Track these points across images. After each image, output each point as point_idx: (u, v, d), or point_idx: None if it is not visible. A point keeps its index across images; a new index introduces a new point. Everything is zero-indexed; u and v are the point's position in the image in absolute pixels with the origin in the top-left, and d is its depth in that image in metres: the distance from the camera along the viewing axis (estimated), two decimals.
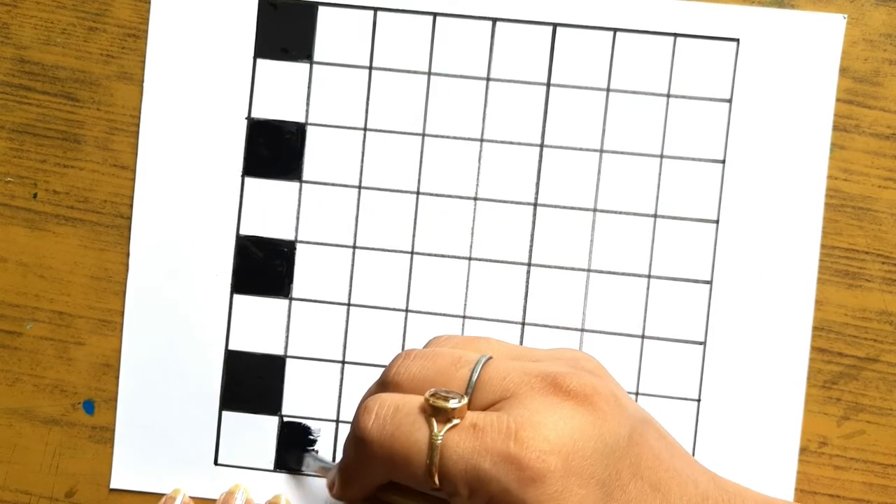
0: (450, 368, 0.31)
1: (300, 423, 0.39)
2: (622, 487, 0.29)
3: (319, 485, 0.39)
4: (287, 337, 0.39)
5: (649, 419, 0.31)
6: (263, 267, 0.39)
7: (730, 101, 0.38)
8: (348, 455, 0.31)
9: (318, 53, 0.38)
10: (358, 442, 0.30)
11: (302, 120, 0.39)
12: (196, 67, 0.39)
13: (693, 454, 0.38)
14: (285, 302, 0.39)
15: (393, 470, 0.30)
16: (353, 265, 0.39)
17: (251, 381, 0.39)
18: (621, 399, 0.30)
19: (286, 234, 0.39)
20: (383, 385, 0.32)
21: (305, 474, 0.39)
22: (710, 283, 0.38)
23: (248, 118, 0.39)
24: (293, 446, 0.39)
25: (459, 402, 0.29)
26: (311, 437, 0.39)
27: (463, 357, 0.31)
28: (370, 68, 0.38)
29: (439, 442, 0.29)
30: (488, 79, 0.38)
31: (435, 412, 0.29)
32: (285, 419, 0.39)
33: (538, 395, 0.29)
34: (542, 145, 0.38)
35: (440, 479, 0.29)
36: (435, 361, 0.31)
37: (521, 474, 0.28)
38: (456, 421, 0.29)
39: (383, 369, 0.32)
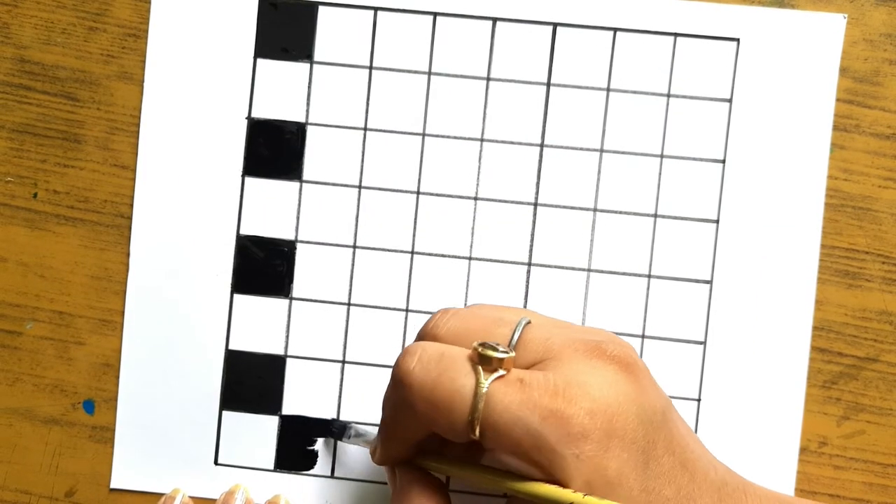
0: (491, 326, 0.30)
1: (300, 423, 0.39)
2: (657, 459, 0.29)
3: (318, 486, 0.39)
4: (287, 337, 0.39)
5: (672, 404, 0.31)
6: (263, 267, 0.39)
7: (730, 100, 0.38)
8: (387, 408, 0.31)
9: (319, 53, 0.38)
10: (398, 386, 0.30)
11: (302, 120, 0.39)
12: (196, 67, 0.39)
13: None
14: (285, 302, 0.39)
15: (434, 418, 0.29)
16: (353, 265, 0.39)
17: (251, 381, 0.39)
18: (653, 378, 0.31)
19: (286, 234, 0.39)
20: (422, 338, 0.31)
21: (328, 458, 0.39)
22: (710, 283, 0.38)
23: (249, 118, 0.39)
24: (326, 427, 0.39)
25: (508, 353, 0.29)
26: (312, 439, 0.39)
27: (504, 317, 0.31)
28: (370, 68, 0.38)
29: (485, 390, 0.28)
30: (488, 79, 0.38)
31: (482, 360, 0.29)
32: (285, 419, 0.39)
33: (582, 358, 0.29)
34: (542, 145, 0.38)
35: (482, 430, 0.28)
36: (476, 319, 0.31)
37: (567, 430, 0.28)
38: (502, 372, 0.29)
39: (421, 326, 0.31)
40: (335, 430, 0.38)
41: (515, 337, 0.30)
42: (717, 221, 0.38)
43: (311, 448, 0.39)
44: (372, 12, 0.38)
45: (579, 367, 0.29)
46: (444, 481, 0.32)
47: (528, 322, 0.31)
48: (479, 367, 0.29)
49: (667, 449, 0.29)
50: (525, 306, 0.38)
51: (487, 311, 0.31)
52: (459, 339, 0.31)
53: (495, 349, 0.29)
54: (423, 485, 0.31)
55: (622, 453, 0.28)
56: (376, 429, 0.33)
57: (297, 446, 0.39)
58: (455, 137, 0.38)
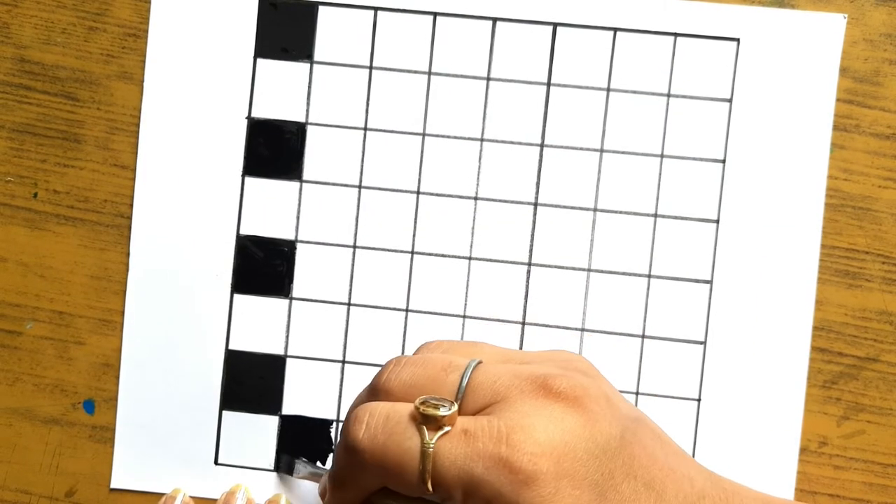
0: (440, 374, 0.31)
1: (300, 423, 0.39)
2: (615, 487, 0.29)
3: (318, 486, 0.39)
4: (287, 337, 0.39)
5: (643, 418, 0.31)
6: (263, 267, 0.39)
7: (730, 100, 0.38)
8: (340, 463, 0.31)
9: (319, 53, 0.38)
10: (350, 451, 0.30)
11: (302, 120, 0.39)
12: (196, 67, 0.39)
13: (693, 454, 0.38)
14: (285, 302, 0.39)
15: (386, 478, 0.30)
16: (353, 265, 0.39)
17: (251, 381, 0.39)
18: (613, 399, 0.30)
19: (286, 234, 0.39)
20: (373, 392, 0.32)
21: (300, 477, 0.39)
22: (710, 282, 0.38)
23: (249, 118, 0.39)
24: (284, 452, 0.39)
25: (450, 409, 0.29)
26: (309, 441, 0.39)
27: (453, 362, 0.31)
28: (370, 68, 0.38)
29: (431, 449, 0.29)
30: (488, 78, 0.38)
31: (425, 420, 0.29)
32: (285, 418, 0.39)
33: (528, 398, 0.30)
34: (542, 145, 0.38)
35: (434, 486, 0.29)
36: (425, 368, 0.31)
37: (514, 477, 0.28)
38: (447, 428, 0.29)
39: (373, 376, 0.32)
40: (282, 465, 0.38)
41: (463, 384, 0.30)
42: (717, 221, 0.38)
43: (300, 457, 0.39)
44: (372, 12, 0.38)
45: (525, 409, 0.29)
46: None
47: (479, 363, 0.31)
48: (424, 428, 0.29)
49: (627, 474, 0.29)
50: (525, 306, 0.38)
51: (437, 360, 0.32)
52: (409, 392, 0.31)
53: (437, 407, 0.29)
54: None
55: (573, 491, 0.28)
56: (326, 465, 0.34)
57: (287, 453, 0.39)
58: (455, 137, 0.38)
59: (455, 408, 0.30)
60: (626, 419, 0.30)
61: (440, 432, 0.29)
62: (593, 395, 0.30)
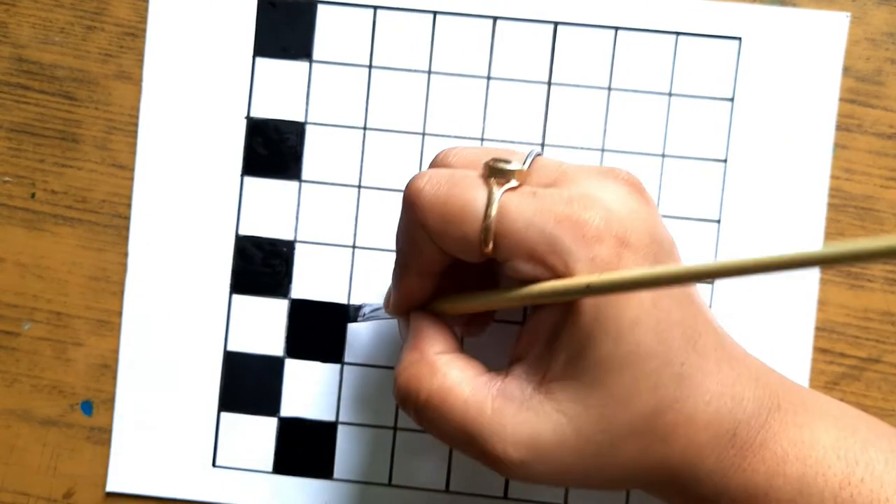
0: (502, 154, 0.30)
1: (299, 425, 0.39)
2: None
3: (318, 487, 0.39)
4: (286, 338, 0.39)
5: None
6: (262, 267, 0.39)
7: (732, 99, 0.37)
8: (399, 239, 0.31)
9: (318, 52, 0.38)
10: (410, 209, 0.30)
11: (301, 119, 0.38)
12: (195, 66, 0.38)
13: None
14: (284, 302, 0.39)
15: (447, 231, 0.29)
16: (352, 265, 0.38)
17: (250, 383, 0.39)
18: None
19: (285, 234, 0.39)
20: (433, 166, 0.31)
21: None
22: (712, 282, 0.38)
23: (247, 117, 0.39)
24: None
25: (521, 165, 0.29)
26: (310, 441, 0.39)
27: (516, 150, 0.31)
28: (370, 67, 0.38)
29: (499, 196, 0.28)
30: (489, 77, 0.38)
31: (494, 173, 0.29)
32: (284, 420, 0.39)
33: (595, 178, 0.29)
34: (543, 144, 0.38)
35: (496, 239, 0.28)
36: (486, 150, 0.31)
37: (583, 232, 0.28)
38: (515, 183, 0.29)
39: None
40: (350, 315, 0.38)
41: (528, 160, 0.30)
42: (718, 221, 0.38)
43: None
44: (371, 11, 0.38)
45: (594, 184, 0.29)
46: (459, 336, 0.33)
47: (540, 153, 0.31)
48: (492, 180, 0.29)
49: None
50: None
51: (497, 147, 0.31)
52: (470, 167, 0.31)
53: (508, 162, 0.29)
54: (437, 328, 0.32)
55: (633, 264, 0.28)
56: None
57: (297, 448, 0.39)
58: (455, 137, 0.38)
59: (527, 165, 0.29)
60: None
61: (507, 185, 0.29)
62: (650, 195, 0.30)
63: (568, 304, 0.28)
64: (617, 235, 0.28)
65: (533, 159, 0.30)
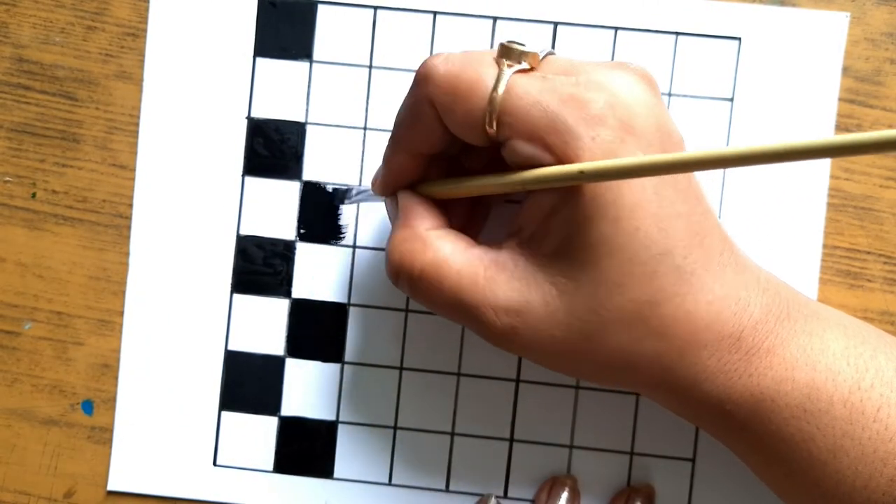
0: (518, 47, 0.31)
1: (300, 424, 0.39)
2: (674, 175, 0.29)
3: (318, 487, 0.39)
4: (287, 337, 0.39)
5: None
6: (263, 267, 0.39)
7: (731, 99, 0.37)
8: (401, 112, 0.32)
9: (318, 52, 0.38)
10: (420, 82, 0.30)
11: (302, 119, 0.38)
12: (195, 66, 0.38)
13: (697, 455, 0.38)
14: (285, 302, 0.39)
15: (454, 104, 0.29)
16: (352, 265, 0.38)
17: (251, 382, 0.39)
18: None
19: (287, 234, 0.39)
20: None
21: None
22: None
23: (248, 117, 0.39)
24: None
25: (533, 50, 0.29)
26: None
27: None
28: (370, 67, 0.38)
29: (508, 74, 0.29)
30: None
31: (506, 54, 0.29)
32: (285, 420, 0.39)
33: (605, 69, 0.30)
34: None
35: (500, 117, 0.29)
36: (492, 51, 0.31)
37: (586, 112, 0.28)
38: (525, 65, 0.29)
39: None
40: (339, 197, 0.38)
41: (542, 54, 0.30)
42: (718, 218, 0.38)
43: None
44: (372, 11, 0.38)
45: (603, 73, 0.29)
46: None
47: (553, 52, 0.31)
48: (504, 60, 0.29)
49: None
50: None
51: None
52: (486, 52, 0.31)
53: (522, 44, 0.29)
54: (425, 206, 0.32)
55: (637, 151, 0.28)
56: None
57: (297, 447, 0.39)
58: None
59: (537, 51, 0.29)
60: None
61: (518, 66, 0.29)
62: (658, 87, 0.30)
63: (567, 186, 0.29)
64: (621, 119, 0.28)
65: (546, 55, 0.31)
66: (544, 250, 0.29)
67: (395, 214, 0.33)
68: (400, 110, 0.32)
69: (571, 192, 0.28)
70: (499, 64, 0.29)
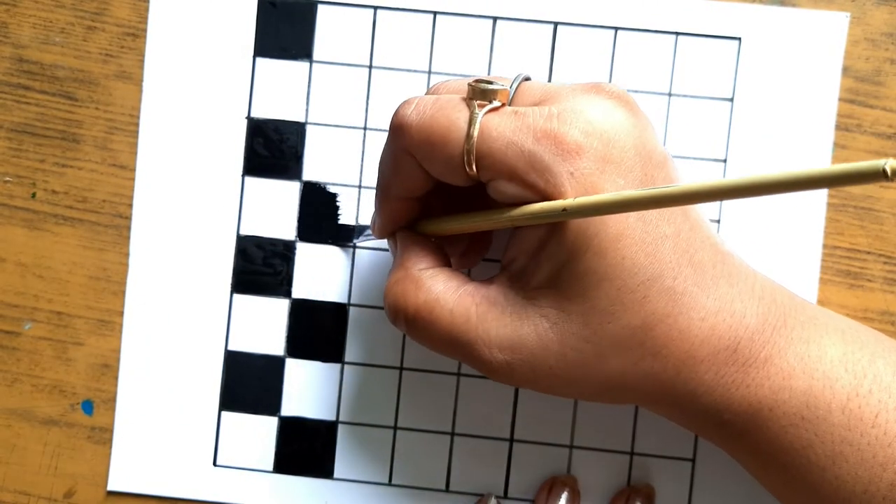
0: (488, 77, 0.31)
1: (300, 424, 0.39)
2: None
3: (318, 487, 0.39)
4: (287, 338, 0.39)
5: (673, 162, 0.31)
6: (264, 267, 0.39)
7: (731, 100, 0.37)
8: (383, 163, 0.32)
9: (318, 52, 0.38)
10: (395, 133, 0.30)
11: (301, 119, 0.38)
12: (195, 66, 0.38)
13: (697, 455, 0.38)
14: (285, 302, 0.39)
15: (431, 153, 0.29)
16: (352, 265, 0.38)
17: (251, 382, 0.39)
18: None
19: (287, 234, 0.39)
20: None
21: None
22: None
23: (248, 117, 0.39)
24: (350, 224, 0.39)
25: (503, 86, 0.29)
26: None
27: (503, 78, 0.31)
28: (370, 67, 0.38)
29: (479, 117, 0.29)
30: None
31: (476, 95, 0.29)
32: (285, 420, 0.39)
33: (580, 94, 0.29)
34: None
35: (478, 159, 0.29)
36: (466, 82, 0.31)
37: (562, 147, 0.28)
38: (497, 104, 0.29)
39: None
40: (353, 238, 0.38)
41: (515, 84, 0.30)
42: (718, 221, 0.38)
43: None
44: (371, 11, 0.38)
45: (577, 100, 0.29)
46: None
47: (528, 78, 0.31)
48: (474, 102, 0.29)
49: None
50: None
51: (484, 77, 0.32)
52: (457, 94, 0.31)
53: (490, 82, 0.29)
54: (421, 245, 0.32)
55: (618, 179, 0.28)
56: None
57: (297, 447, 0.39)
58: None
59: (507, 87, 0.29)
60: (665, 150, 0.30)
61: (489, 106, 0.29)
62: (642, 112, 0.30)
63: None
64: (598, 148, 0.28)
65: (520, 83, 0.30)
66: (534, 283, 0.30)
67: (394, 253, 0.33)
68: (381, 159, 0.32)
69: (557, 226, 0.28)
70: (469, 106, 0.29)
